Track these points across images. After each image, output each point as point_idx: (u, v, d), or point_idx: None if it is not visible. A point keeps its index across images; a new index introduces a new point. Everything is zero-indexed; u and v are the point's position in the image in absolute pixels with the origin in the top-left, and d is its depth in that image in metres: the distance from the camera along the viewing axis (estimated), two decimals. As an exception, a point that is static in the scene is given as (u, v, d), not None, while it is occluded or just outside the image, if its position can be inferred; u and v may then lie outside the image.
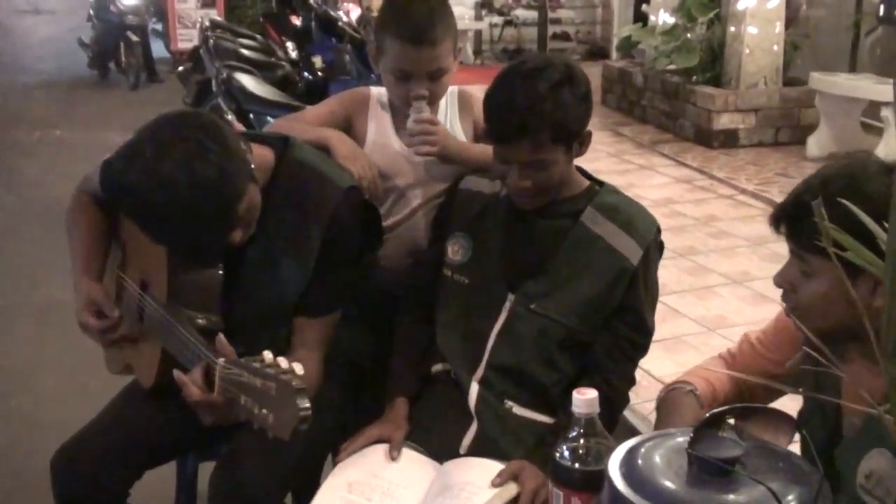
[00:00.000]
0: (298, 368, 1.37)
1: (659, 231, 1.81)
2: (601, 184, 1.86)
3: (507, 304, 1.77)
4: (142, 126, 1.59)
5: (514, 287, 1.78)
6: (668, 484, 1.09)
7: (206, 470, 1.85)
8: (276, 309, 1.80)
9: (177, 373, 1.55)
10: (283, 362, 1.38)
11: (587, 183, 1.84)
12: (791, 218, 1.34)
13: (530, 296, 1.76)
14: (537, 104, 1.65)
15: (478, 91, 2.15)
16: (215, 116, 1.64)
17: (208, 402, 1.52)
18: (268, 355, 1.40)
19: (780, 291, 1.41)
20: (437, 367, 1.84)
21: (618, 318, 1.75)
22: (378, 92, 2.08)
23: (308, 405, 1.33)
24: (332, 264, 1.78)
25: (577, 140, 1.73)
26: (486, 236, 1.83)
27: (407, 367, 1.87)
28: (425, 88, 1.92)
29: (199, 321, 1.72)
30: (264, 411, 1.37)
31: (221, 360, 1.50)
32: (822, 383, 1.36)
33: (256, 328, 1.78)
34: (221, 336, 1.55)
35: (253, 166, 1.66)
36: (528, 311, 1.75)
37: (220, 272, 1.76)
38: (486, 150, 1.95)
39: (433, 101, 1.97)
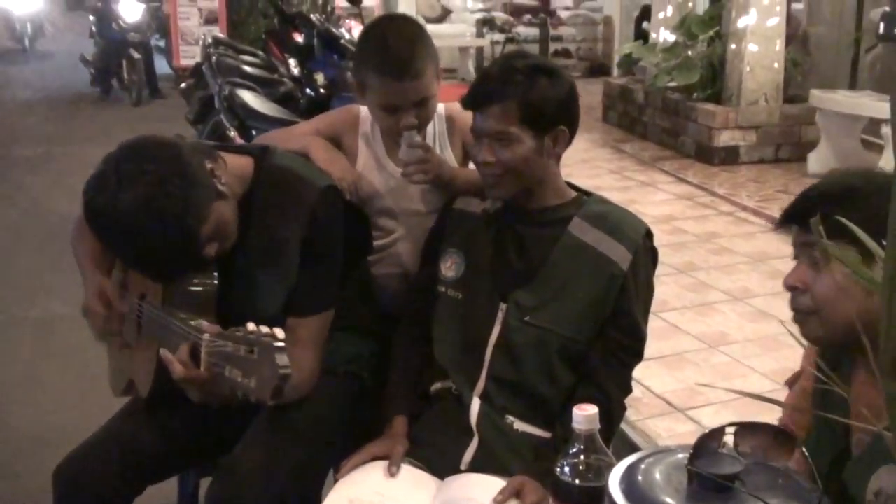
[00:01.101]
0: (279, 333, 1.43)
1: (649, 235, 1.82)
2: (589, 195, 1.88)
3: (500, 315, 1.78)
4: (108, 154, 1.62)
5: (505, 297, 1.79)
6: (668, 500, 1.09)
7: (207, 485, 1.84)
8: (268, 314, 1.80)
9: (162, 351, 1.59)
10: (264, 328, 1.44)
11: (575, 193, 1.87)
12: (802, 210, 1.33)
13: (524, 308, 1.77)
14: (509, 76, 1.74)
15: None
16: (179, 143, 1.66)
17: (193, 377, 1.57)
18: (250, 325, 1.46)
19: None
20: (437, 386, 1.85)
21: (610, 324, 1.76)
22: (368, 111, 2.08)
23: (287, 363, 1.39)
24: (316, 263, 1.80)
25: (550, 132, 1.76)
26: (478, 251, 1.85)
27: (405, 387, 1.88)
28: (413, 117, 1.93)
29: (192, 325, 1.73)
30: (248, 380, 1.43)
31: (206, 336, 1.55)
32: (829, 400, 1.35)
33: None
34: (202, 321, 1.61)
35: (224, 181, 1.69)
36: (524, 324, 1.76)
37: (215, 281, 1.78)
38: (477, 173, 1.97)
39: (422, 127, 1.99)
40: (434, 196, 2.04)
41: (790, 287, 1.36)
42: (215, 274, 1.78)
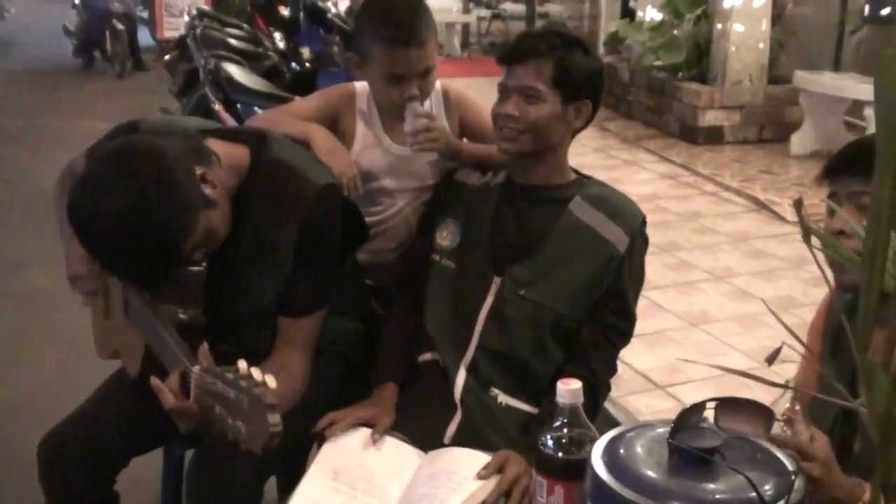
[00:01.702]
0: (271, 382, 1.37)
1: (644, 223, 1.85)
2: (588, 178, 1.91)
3: (494, 288, 1.79)
4: (96, 149, 1.56)
5: (500, 270, 1.80)
6: (649, 473, 1.11)
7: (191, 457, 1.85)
8: (258, 309, 1.80)
9: (153, 380, 1.54)
10: (256, 374, 1.37)
11: (576, 175, 1.90)
12: (846, 161, 1.41)
13: (519, 282, 1.78)
14: (549, 38, 1.80)
15: (462, 86, 2.18)
16: (168, 149, 1.55)
17: (183, 409, 1.51)
18: (242, 365, 1.40)
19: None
20: (426, 357, 1.86)
21: (603, 305, 1.78)
22: (363, 88, 2.08)
23: (279, 421, 1.33)
24: (311, 263, 1.77)
25: (575, 103, 1.79)
26: (475, 222, 1.86)
27: (396, 355, 1.89)
28: (416, 88, 1.93)
29: (181, 316, 1.72)
30: (238, 423, 1.38)
31: (196, 368, 1.49)
32: (842, 348, 1.37)
33: (241, 327, 1.79)
34: (205, 345, 1.54)
35: (216, 184, 1.62)
36: (518, 297, 1.78)
37: (203, 268, 1.74)
38: (480, 147, 1.97)
39: (422, 100, 1.99)
40: (433, 171, 2.04)
41: (838, 232, 1.42)
42: (204, 262, 1.75)
